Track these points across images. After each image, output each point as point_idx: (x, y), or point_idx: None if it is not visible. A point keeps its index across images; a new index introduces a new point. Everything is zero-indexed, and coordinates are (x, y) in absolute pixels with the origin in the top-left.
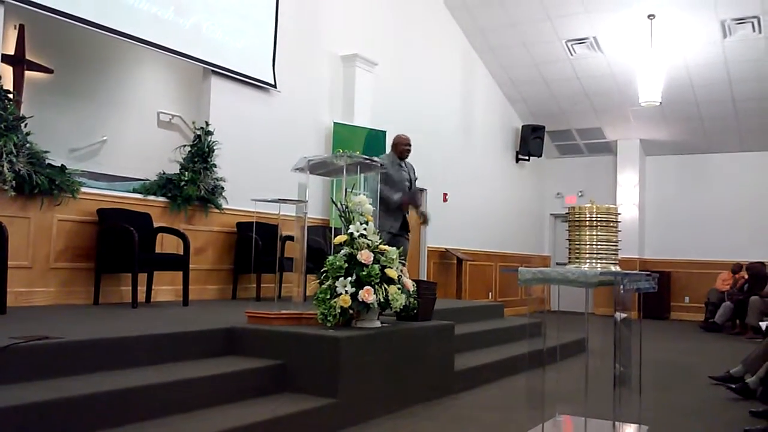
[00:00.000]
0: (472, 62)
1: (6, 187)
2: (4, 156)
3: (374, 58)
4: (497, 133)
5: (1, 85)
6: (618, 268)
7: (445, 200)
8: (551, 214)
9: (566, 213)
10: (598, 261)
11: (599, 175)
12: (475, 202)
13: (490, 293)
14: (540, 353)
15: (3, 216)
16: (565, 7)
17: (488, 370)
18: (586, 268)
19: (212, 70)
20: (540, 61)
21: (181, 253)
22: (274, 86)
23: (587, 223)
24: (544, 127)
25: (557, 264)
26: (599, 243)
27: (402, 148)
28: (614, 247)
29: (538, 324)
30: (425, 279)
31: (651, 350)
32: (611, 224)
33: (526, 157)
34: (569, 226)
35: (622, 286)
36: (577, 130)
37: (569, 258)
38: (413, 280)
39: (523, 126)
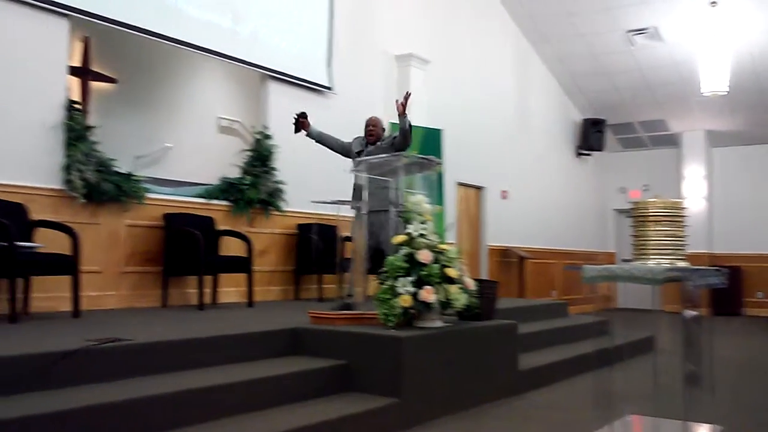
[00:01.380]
0: (526, 55)
1: (76, 195)
2: (74, 165)
3: (427, 55)
4: (556, 127)
5: (69, 97)
6: (685, 264)
7: (504, 197)
8: (614, 210)
9: (630, 208)
10: (665, 257)
11: (664, 168)
12: (535, 198)
13: (553, 291)
14: (607, 352)
15: (75, 223)
16: None
17: (554, 369)
18: (652, 265)
19: (270, 75)
20: (599, 52)
21: (245, 256)
22: (330, 88)
23: (652, 218)
24: (605, 121)
25: (622, 260)
26: (665, 238)
27: (365, 130)
28: (681, 243)
29: (604, 322)
30: (486, 278)
31: (723, 348)
32: (677, 219)
33: (587, 152)
34: (633, 222)
35: (690, 283)
36: (639, 122)
37: (634, 254)
38: (474, 280)
39: (583, 119)
